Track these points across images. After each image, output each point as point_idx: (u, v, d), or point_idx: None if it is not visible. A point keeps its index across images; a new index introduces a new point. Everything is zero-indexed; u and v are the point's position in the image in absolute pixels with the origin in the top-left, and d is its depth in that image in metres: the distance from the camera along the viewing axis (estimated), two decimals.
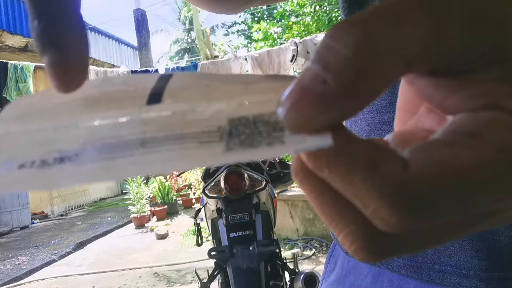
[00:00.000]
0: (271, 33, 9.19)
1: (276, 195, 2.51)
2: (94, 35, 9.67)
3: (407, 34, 0.13)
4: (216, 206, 2.25)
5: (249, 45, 14.53)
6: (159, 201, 6.99)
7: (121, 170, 0.14)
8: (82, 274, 4.21)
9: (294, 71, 5.05)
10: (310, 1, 8.06)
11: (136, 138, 0.15)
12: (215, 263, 2.15)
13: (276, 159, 2.47)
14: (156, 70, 5.73)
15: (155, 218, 6.68)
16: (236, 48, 16.93)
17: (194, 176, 7.10)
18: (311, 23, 8.16)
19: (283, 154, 0.14)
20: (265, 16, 12.87)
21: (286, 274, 2.19)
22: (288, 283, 2.16)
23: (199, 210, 2.46)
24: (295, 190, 4.15)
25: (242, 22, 16.21)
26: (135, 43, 10.82)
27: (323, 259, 3.60)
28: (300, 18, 8.84)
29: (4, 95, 4.79)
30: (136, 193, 6.39)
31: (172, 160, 0.14)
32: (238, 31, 17.31)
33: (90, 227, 6.46)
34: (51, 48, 0.18)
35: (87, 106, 0.17)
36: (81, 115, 0.16)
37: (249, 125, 0.14)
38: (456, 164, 0.13)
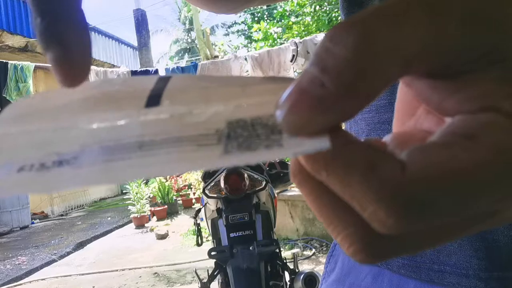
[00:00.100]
0: (271, 33, 9.19)
1: (276, 195, 2.51)
2: (94, 35, 9.66)
3: (406, 34, 0.13)
4: (216, 206, 2.25)
5: (249, 45, 14.53)
6: (159, 201, 6.99)
7: (120, 173, 0.14)
8: (82, 274, 4.21)
9: (294, 71, 5.05)
10: (310, 1, 8.06)
11: (134, 141, 0.15)
12: (215, 263, 2.15)
13: (276, 159, 2.47)
14: (156, 70, 5.73)
15: (155, 218, 6.68)
16: (236, 48, 16.93)
17: (194, 176, 7.10)
18: (311, 23, 8.16)
19: (281, 157, 0.14)
20: (265, 16, 12.86)
21: (286, 274, 2.19)
22: (288, 283, 2.16)
23: (199, 210, 2.46)
24: (295, 190, 4.14)
25: (242, 22, 16.21)
26: (135, 43, 10.82)
27: (323, 259, 3.60)
28: (300, 18, 8.84)
29: (4, 95, 4.79)
30: (136, 193, 6.39)
31: (170, 163, 0.14)
32: (238, 31, 17.31)
33: (90, 227, 6.46)
34: (54, 44, 0.19)
35: (86, 108, 0.17)
36: (80, 117, 0.17)
37: (247, 128, 0.14)
38: (453, 166, 0.13)
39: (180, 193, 7.41)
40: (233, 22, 18.48)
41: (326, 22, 7.49)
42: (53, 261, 4.76)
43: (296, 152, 0.14)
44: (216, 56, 7.54)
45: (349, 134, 0.14)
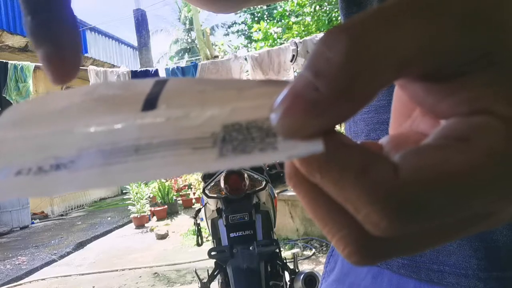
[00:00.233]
0: (271, 33, 9.20)
1: (276, 195, 2.51)
2: (94, 35, 9.66)
3: (399, 37, 0.13)
4: (216, 206, 2.25)
5: (249, 45, 14.54)
6: (159, 201, 6.99)
7: (116, 176, 0.14)
8: (82, 274, 4.21)
9: (294, 71, 5.05)
10: (310, 1, 8.06)
11: (131, 145, 0.15)
12: (215, 263, 2.15)
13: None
14: (156, 70, 5.73)
15: (155, 218, 6.68)
16: (236, 48, 16.93)
17: (194, 176, 7.10)
18: (311, 23, 8.17)
19: (275, 160, 0.14)
20: (265, 16, 12.87)
21: (286, 274, 2.19)
22: (288, 283, 2.16)
23: (199, 210, 2.46)
24: None
25: (242, 22, 16.23)
26: (135, 43, 10.81)
27: (323, 259, 3.60)
28: (300, 18, 8.85)
29: (4, 95, 4.79)
30: (136, 193, 6.39)
31: (166, 167, 0.14)
32: (238, 31, 17.32)
33: (90, 227, 6.47)
34: (45, 43, 0.19)
35: (83, 112, 0.17)
36: (77, 121, 0.17)
37: (243, 131, 0.14)
38: (446, 169, 0.13)
39: (180, 193, 7.42)
40: (233, 22, 18.50)
41: (326, 22, 7.49)
42: (53, 261, 4.77)
43: (291, 155, 0.14)
44: (216, 56, 7.55)
45: (344, 136, 0.15)
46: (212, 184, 2.29)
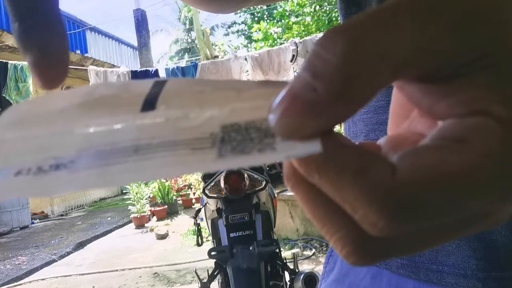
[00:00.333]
0: (271, 33, 9.20)
1: (276, 195, 2.51)
2: (94, 35, 9.67)
3: (395, 39, 0.13)
4: (216, 206, 2.25)
5: (249, 45, 14.54)
6: (159, 201, 6.99)
7: (116, 176, 0.14)
8: (82, 274, 4.21)
9: (294, 71, 5.05)
10: (310, 1, 8.06)
11: (130, 145, 0.15)
12: (215, 263, 2.15)
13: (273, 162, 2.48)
14: (156, 70, 5.73)
15: (155, 218, 6.68)
16: (236, 48, 16.94)
17: (194, 176, 7.10)
18: (311, 23, 8.17)
19: (274, 160, 0.14)
20: (265, 16, 12.88)
21: (286, 274, 2.19)
22: (288, 283, 2.16)
23: (199, 210, 2.46)
24: None
25: (242, 22, 16.23)
26: (135, 43, 10.81)
27: (323, 259, 3.60)
28: (300, 18, 8.85)
29: (4, 95, 4.79)
30: (136, 193, 6.39)
31: (166, 167, 0.14)
32: (238, 31, 17.32)
33: (90, 227, 6.47)
34: (33, 48, 0.20)
35: (83, 113, 0.17)
36: (77, 122, 0.17)
37: (241, 132, 0.15)
38: (443, 169, 0.13)
39: (180, 193, 7.42)
40: (233, 22, 18.50)
41: (326, 22, 7.49)
42: (53, 261, 4.77)
43: (289, 156, 0.14)
44: (216, 56, 7.55)
45: (342, 137, 0.15)
46: (212, 184, 2.29)
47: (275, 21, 9.62)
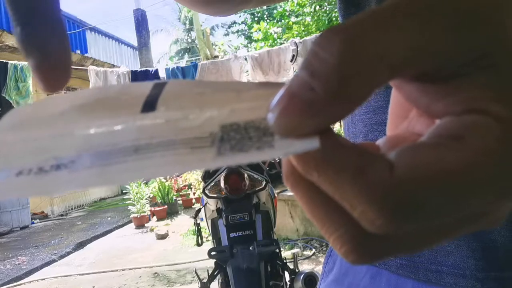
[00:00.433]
0: (271, 33, 9.20)
1: (276, 195, 2.51)
2: (94, 35, 9.67)
3: (392, 39, 0.13)
4: (216, 206, 2.25)
5: (249, 45, 14.55)
6: (159, 201, 6.99)
7: (116, 176, 0.15)
8: (82, 274, 4.21)
9: (294, 71, 5.05)
10: (310, 1, 8.06)
11: (130, 145, 0.15)
12: (215, 263, 2.15)
13: (276, 159, 2.48)
14: (156, 70, 5.73)
15: (155, 218, 6.68)
16: (236, 48, 16.94)
17: (194, 176, 7.10)
18: (311, 23, 8.17)
19: (272, 157, 0.14)
20: (265, 16, 12.88)
21: (286, 274, 2.19)
22: (288, 283, 2.16)
23: (199, 210, 2.46)
24: None
25: (242, 22, 16.23)
26: (135, 43, 10.81)
27: (323, 259, 3.60)
28: (300, 18, 8.85)
29: (4, 95, 4.80)
30: (136, 193, 6.39)
31: (165, 166, 0.14)
32: (238, 31, 17.33)
33: (90, 227, 6.46)
34: (35, 52, 0.20)
35: (84, 114, 0.17)
36: (77, 123, 0.17)
37: (240, 131, 0.15)
38: (441, 167, 0.13)
39: (180, 193, 7.42)
40: (233, 22, 18.50)
41: (326, 22, 7.49)
42: (53, 261, 4.77)
43: (287, 152, 0.14)
44: (216, 56, 7.55)
45: (340, 136, 0.15)
46: (212, 184, 2.29)
47: (275, 21, 9.63)
